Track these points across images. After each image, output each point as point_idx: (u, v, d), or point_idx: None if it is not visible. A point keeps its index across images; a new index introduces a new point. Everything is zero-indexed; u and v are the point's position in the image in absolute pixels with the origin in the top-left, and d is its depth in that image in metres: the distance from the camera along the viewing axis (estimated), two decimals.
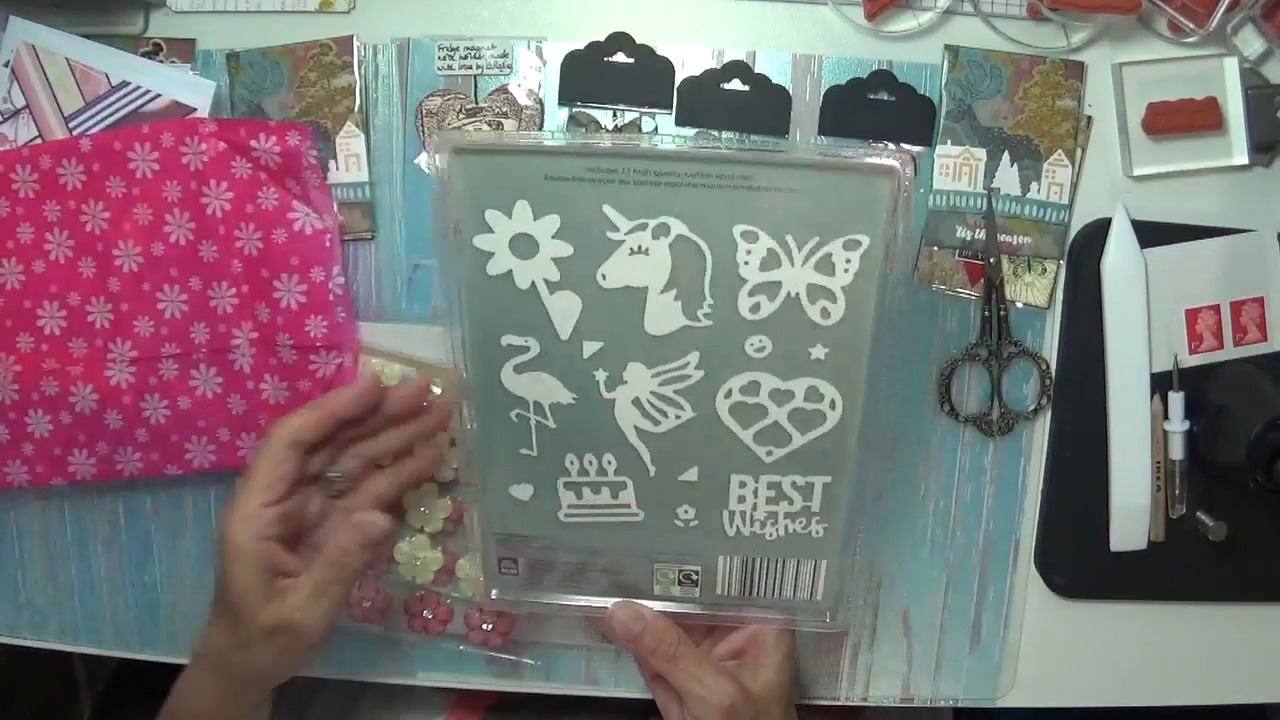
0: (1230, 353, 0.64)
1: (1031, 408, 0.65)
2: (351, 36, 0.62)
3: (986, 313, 0.64)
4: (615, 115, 0.62)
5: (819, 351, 0.52)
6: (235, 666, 0.55)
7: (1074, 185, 0.63)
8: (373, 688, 0.73)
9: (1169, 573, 0.66)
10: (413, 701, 0.74)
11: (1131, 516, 0.65)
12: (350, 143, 0.62)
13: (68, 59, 0.60)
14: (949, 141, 0.62)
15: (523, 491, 0.56)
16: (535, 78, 0.62)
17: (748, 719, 0.56)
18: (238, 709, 0.57)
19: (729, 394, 0.53)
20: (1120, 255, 0.62)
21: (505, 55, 0.62)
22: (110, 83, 0.60)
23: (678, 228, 0.50)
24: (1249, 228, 0.63)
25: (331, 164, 0.62)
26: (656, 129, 0.62)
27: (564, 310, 0.52)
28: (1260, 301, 0.64)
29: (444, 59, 0.62)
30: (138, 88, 0.60)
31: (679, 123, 0.62)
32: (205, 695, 0.56)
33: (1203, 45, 0.62)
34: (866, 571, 0.66)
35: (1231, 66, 0.62)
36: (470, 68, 0.62)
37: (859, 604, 0.67)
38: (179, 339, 0.60)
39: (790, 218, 0.50)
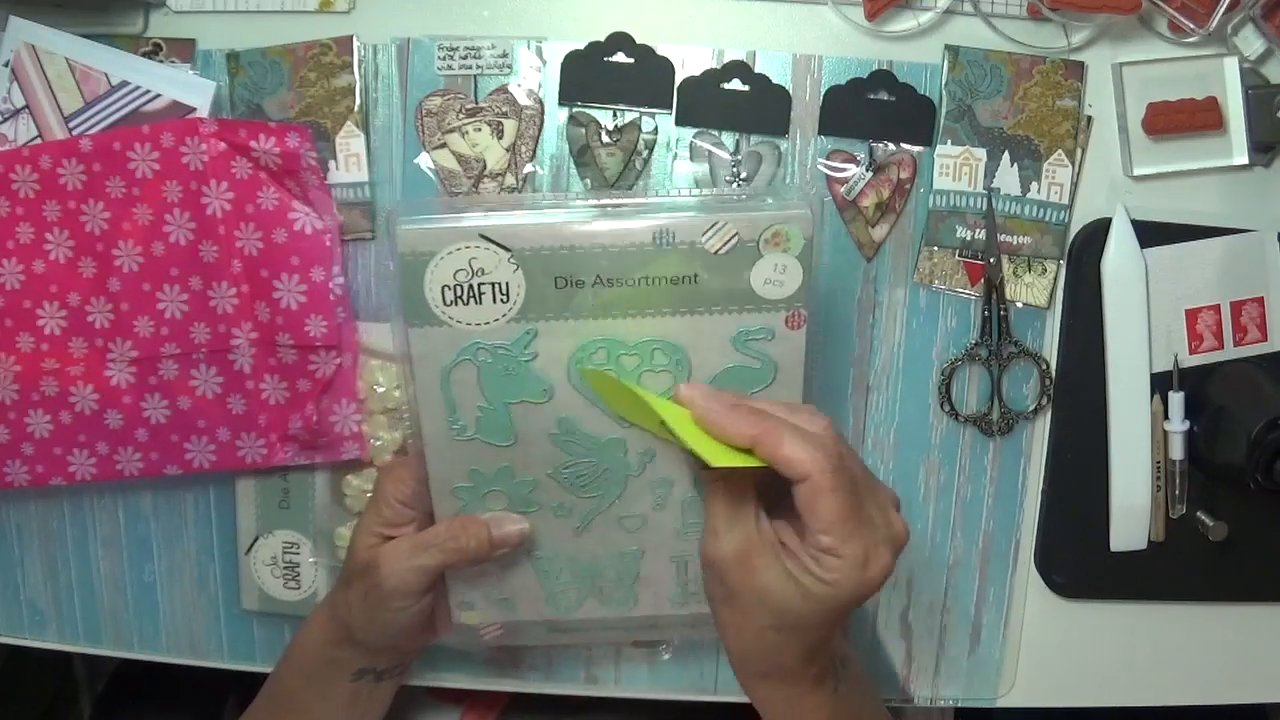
0: (1230, 353, 0.64)
1: (1031, 408, 0.65)
2: (351, 36, 0.61)
3: (986, 313, 0.64)
4: (615, 115, 0.62)
5: None
6: (335, 602, 0.57)
7: (1074, 185, 0.63)
8: None
9: (1169, 573, 0.66)
10: (427, 703, 0.74)
11: (1131, 516, 0.65)
12: (350, 143, 0.62)
13: (68, 59, 0.60)
14: (949, 141, 0.62)
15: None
16: (535, 78, 0.62)
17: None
18: (329, 648, 0.58)
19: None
20: (1120, 255, 0.62)
21: (505, 55, 0.62)
22: (110, 83, 0.60)
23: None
24: (1249, 228, 0.63)
25: (331, 164, 0.62)
26: (657, 128, 0.62)
27: None
28: (1260, 301, 0.64)
29: (444, 59, 0.62)
30: (138, 88, 0.60)
31: (679, 123, 0.62)
32: (312, 627, 0.59)
33: (1203, 45, 0.62)
34: None
35: (1231, 66, 0.62)
36: (470, 68, 0.62)
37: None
38: (179, 339, 0.60)
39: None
